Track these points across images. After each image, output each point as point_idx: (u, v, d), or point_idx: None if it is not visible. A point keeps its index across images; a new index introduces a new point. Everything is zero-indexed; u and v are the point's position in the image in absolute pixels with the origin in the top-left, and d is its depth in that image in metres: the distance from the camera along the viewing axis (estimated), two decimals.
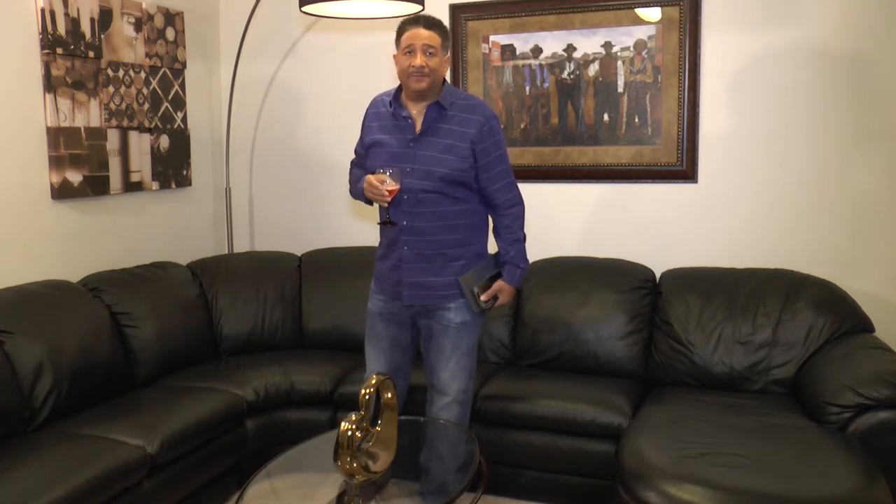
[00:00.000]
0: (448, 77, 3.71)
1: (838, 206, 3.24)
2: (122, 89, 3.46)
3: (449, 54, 2.60)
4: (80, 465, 2.35)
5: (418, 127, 2.57)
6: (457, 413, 2.65)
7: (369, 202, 2.67)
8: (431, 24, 2.51)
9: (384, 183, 2.46)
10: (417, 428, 2.68)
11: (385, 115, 2.63)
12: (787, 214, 3.32)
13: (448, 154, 2.53)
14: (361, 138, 2.73)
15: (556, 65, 3.57)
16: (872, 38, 3.12)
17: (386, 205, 2.53)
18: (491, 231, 2.72)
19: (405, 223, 2.58)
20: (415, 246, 2.58)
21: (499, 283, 2.66)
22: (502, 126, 3.65)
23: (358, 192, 2.69)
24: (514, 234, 2.67)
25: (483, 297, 2.62)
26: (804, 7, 3.20)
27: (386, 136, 2.61)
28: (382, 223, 2.62)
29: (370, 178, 2.50)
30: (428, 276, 2.59)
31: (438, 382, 2.67)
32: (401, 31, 2.54)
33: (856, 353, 2.78)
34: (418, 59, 2.47)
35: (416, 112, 2.57)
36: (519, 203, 2.67)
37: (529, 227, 3.64)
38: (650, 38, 3.41)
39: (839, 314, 3.00)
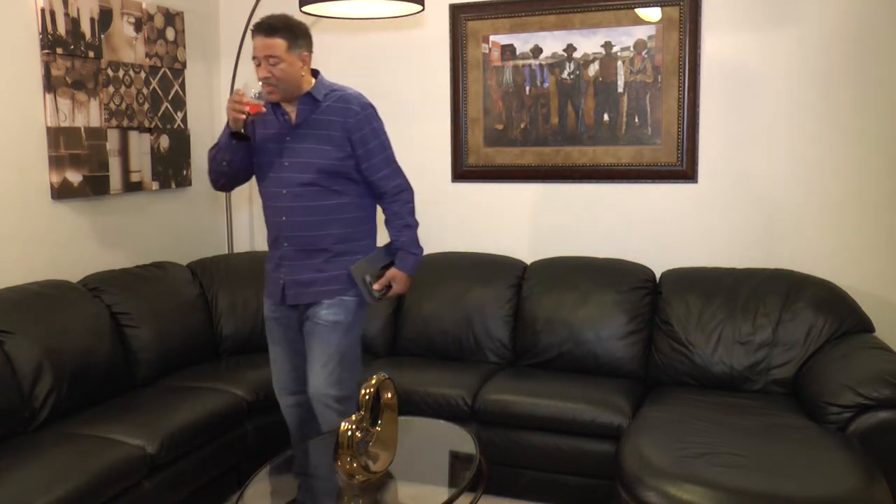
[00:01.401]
0: (448, 77, 3.73)
1: (839, 205, 3.24)
2: (122, 89, 3.46)
3: (304, 50, 2.50)
4: (80, 465, 2.35)
5: (293, 120, 2.57)
6: (333, 420, 2.52)
7: (233, 149, 2.53)
8: (271, 29, 2.44)
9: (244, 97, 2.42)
10: (417, 428, 2.68)
11: (267, 110, 2.59)
12: (787, 214, 3.32)
13: (324, 145, 2.52)
14: None
15: (556, 65, 3.57)
16: (872, 38, 3.12)
17: (244, 116, 2.44)
18: (383, 223, 2.67)
19: (284, 218, 2.56)
20: (295, 242, 2.57)
21: (392, 271, 2.63)
22: (502, 127, 3.67)
23: (220, 142, 2.58)
24: (403, 219, 2.63)
25: (376, 286, 2.60)
26: (804, 7, 3.20)
27: (264, 131, 2.61)
28: (236, 138, 2.51)
29: (235, 93, 2.43)
30: (308, 272, 2.57)
31: (309, 385, 2.60)
32: (252, 37, 2.49)
33: (856, 353, 2.78)
34: (262, 71, 2.46)
35: (292, 107, 2.57)
36: (406, 189, 2.64)
37: (531, 227, 3.68)
38: (650, 38, 3.41)
39: (839, 314, 3.00)
